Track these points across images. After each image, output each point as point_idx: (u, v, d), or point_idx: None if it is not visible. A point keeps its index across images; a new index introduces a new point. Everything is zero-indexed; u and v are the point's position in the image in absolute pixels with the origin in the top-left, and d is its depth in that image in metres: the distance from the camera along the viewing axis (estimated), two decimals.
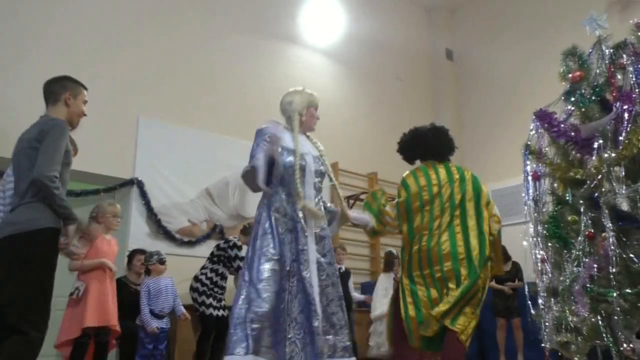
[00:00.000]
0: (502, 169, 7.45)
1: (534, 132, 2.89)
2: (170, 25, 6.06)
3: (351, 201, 7.13)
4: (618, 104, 2.58)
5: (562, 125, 2.73)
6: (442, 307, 2.77)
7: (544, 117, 2.79)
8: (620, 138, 2.51)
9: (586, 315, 2.42)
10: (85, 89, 2.77)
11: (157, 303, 4.46)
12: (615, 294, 2.35)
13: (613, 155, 2.50)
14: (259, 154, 2.73)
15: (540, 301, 2.69)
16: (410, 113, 8.48)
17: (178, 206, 5.64)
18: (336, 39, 7.68)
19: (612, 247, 2.36)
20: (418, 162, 3.40)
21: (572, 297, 2.50)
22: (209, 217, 5.79)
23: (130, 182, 5.36)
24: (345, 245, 6.50)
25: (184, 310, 4.59)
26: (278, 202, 2.70)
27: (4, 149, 4.24)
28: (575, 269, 2.54)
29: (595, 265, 2.45)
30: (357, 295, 5.96)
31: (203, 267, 4.95)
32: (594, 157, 2.56)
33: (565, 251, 2.66)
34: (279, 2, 7.18)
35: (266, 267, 2.53)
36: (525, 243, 2.88)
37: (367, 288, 6.57)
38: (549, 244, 2.75)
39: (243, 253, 4.84)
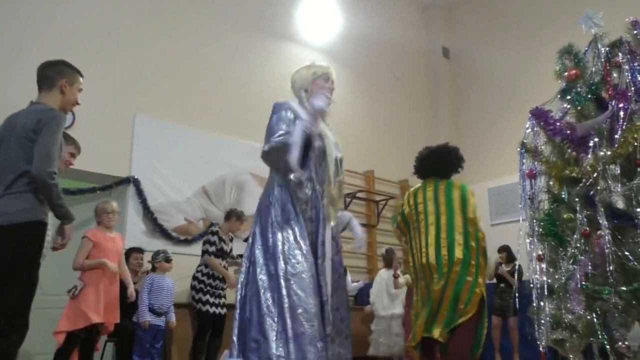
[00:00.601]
0: (499, 167, 7.46)
1: (530, 130, 2.89)
2: (168, 24, 6.04)
3: (347, 199, 7.13)
4: (614, 102, 2.59)
5: (558, 124, 2.74)
6: (420, 320, 3.18)
7: (540, 115, 2.79)
8: (616, 136, 2.52)
9: (581, 312, 2.43)
10: (82, 75, 2.65)
11: (158, 299, 4.47)
12: (610, 292, 2.36)
13: (609, 153, 2.50)
14: (294, 131, 2.44)
15: (534, 298, 2.69)
16: (407, 111, 8.49)
17: (174, 204, 5.63)
18: (333, 38, 7.68)
19: (608, 245, 2.37)
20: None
21: (568, 295, 2.51)
22: (205, 216, 5.78)
23: (126, 181, 5.35)
24: (342, 243, 6.49)
25: (173, 319, 4.59)
26: (302, 187, 2.46)
27: None
28: (570, 266, 2.55)
29: (590, 263, 2.45)
30: (352, 283, 5.92)
31: (198, 265, 4.95)
32: (589, 155, 2.57)
33: (560, 249, 2.67)
34: (276, 1, 7.17)
35: (300, 259, 2.30)
36: (520, 241, 2.88)
37: (365, 286, 6.57)
38: (545, 242, 2.76)
39: (218, 242, 4.87)
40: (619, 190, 2.44)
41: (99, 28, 5.50)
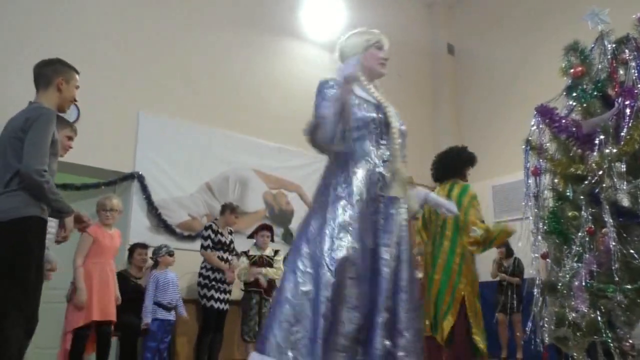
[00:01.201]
0: (503, 164, 7.43)
1: (535, 127, 2.88)
2: (171, 20, 6.04)
3: None
4: (620, 99, 2.57)
5: (564, 121, 2.73)
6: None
7: (545, 113, 2.78)
8: (622, 134, 2.50)
9: (585, 310, 2.42)
10: (77, 72, 2.67)
11: (166, 295, 4.50)
12: (615, 290, 2.35)
13: (614, 151, 2.49)
14: (326, 102, 2.16)
15: (536, 296, 2.69)
16: (410, 109, 8.45)
17: (178, 200, 5.65)
18: (336, 33, 7.63)
19: (613, 243, 2.36)
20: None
21: (572, 293, 2.50)
22: (209, 212, 5.79)
23: (130, 176, 5.36)
24: None
25: (184, 313, 4.64)
26: (360, 167, 2.12)
27: None
28: (575, 264, 2.54)
29: (595, 261, 2.45)
30: None
31: (202, 261, 4.96)
32: (595, 153, 2.55)
33: (565, 247, 2.66)
34: None
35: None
36: (522, 239, 2.88)
37: None
38: (549, 240, 2.75)
39: (212, 234, 4.87)
40: (624, 188, 2.43)
41: (99, 23, 5.49)
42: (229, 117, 6.24)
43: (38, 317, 2.38)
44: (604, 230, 2.45)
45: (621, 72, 2.70)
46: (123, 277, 4.45)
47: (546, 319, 2.68)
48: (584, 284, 2.44)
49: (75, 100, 2.68)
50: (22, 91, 4.59)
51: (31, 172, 2.29)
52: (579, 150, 2.68)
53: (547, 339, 2.67)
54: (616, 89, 2.65)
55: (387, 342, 1.93)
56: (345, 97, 2.14)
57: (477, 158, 3.93)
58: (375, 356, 1.90)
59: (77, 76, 2.65)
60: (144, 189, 5.39)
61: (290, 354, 1.84)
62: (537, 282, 2.73)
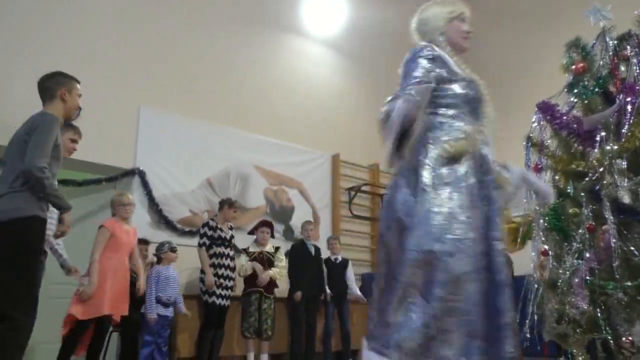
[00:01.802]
0: (505, 160, 7.41)
1: (536, 124, 2.88)
2: (172, 17, 6.03)
3: (352, 193, 7.13)
4: (621, 96, 2.57)
5: (565, 117, 2.72)
6: None
7: (546, 109, 2.78)
8: (623, 131, 2.50)
9: (585, 307, 2.42)
10: (78, 82, 2.82)
11: (165, 291, 4.50)
12: (615, 287, 2.35)
13: (615, 147, 2.49)
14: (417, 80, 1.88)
15: (534, 294, 2.70)
16: None
17: (179, 196, 5.65)
18: (338, 30, 7.64)
19: (614, 240, 2.36)
20: None
21: (572, 290, 2.50)
22: (210, 208, 5.80)
23: (131, 172, 5.36)
24: (346, 236, 6.51)
25: (184, 310, 4.64)
26: (460, 148, 1.90)
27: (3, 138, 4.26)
28: (575, 261, 2.54)
29: (595, 258, 2.45)
30: (356, 290, 5.91)
31: None
32: (596, 150, 2.55)
33: (565, 244, 2.66)
34: None
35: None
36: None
37: (368, 279, 6.59)
38: (550, 237, 2.75)
39: (209, 231, 4.85)
40: (625, 185, 2.42)
41: (99, 18, 5.48)
42: (230, 113, 6.23)
43: (36, 314, 2.45)
44: (604, 227, 2.45)
45: (622, 68, 2.69)
46: None
47: (547, 316, 2.68)
48: (583, 280, 2.44)
49: (80, 108, 2.83)
50: (22, 90, 4.62)
51: (32, 168, 2.41)
52: (580, 147, 2.68)
53: (546, 335, 2.68)
54: (617, 86, 2.64)
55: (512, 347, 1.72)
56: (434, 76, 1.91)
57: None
58: None
59: (78, 85, 2.80)
60: (145, 184, 5.39)
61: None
62: (535, 278, 2.73)
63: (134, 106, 5.51)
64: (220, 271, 4.83)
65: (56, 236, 2.72)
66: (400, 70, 2.02)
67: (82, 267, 3.91)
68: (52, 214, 2.93)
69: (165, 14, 5.98)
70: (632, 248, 2.36)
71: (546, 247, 2.77)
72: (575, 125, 2.66)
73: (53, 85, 2.70)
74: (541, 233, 2.78)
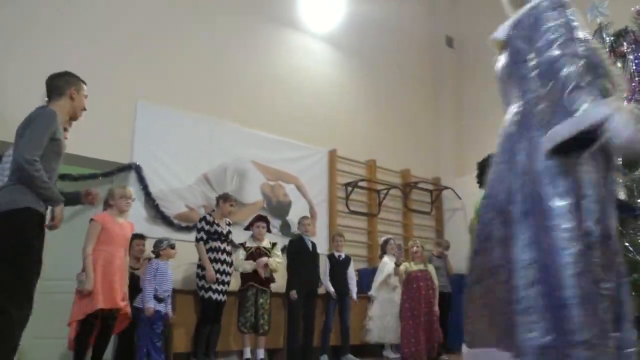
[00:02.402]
0: None
1: None
2: (170, 10, 6.01)
3: (349, 188, 7.14)
4: None
5: None
6: None
7: None
8: None
9: None
10: (85, 84, 2.88)
11: (162, 285, 4.50)
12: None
13: None
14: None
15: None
16: (410, 101, 8.46)
17: (176, 191, 5.65)
18: (336, 25, 7.63)
19: None
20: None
21: None
22: (206, 203, 5.80)
23: (128, 167, 5.35)
24: (342, 232, 6.51)
25: (169, 310, 4.60)
26: None
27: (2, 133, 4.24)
28: None
29: None
30: (354, 291, 5.91)
31: None
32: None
33: None
34: None
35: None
36: None
37: (365, 274, 6.60)
38: None
39: (206, 226, 4.87)
40: (620, 181, 2.43)
41: (96, 12, 5.46)
42: (227, 108, 6.22)
43: (32, 305, 2.46)
44: None
45: (619, 64, 2.69)
46: None
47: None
48: None
49: (85, 109, 2.89)
50: (18, 85, 4.61)
51: (21, 161, 2.42)
52: None
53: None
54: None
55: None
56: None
57: None
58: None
59: (85, 87, 2.87)
60: (142, 179, 5.38)
61: None
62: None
63: (131, 101, 5.50)
64: (217, 266, 4.83)
65: (47, 227, 2.71)
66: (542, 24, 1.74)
67: (74, 261, 3.91)
68: None
69: (164, 7, 5.96)
70: (626, 244, 2.37)
71: None
72: None
73: (63, 83, 2.76)
74: None
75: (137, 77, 5.57)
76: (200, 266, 4.86)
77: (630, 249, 2.37)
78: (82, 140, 4.60)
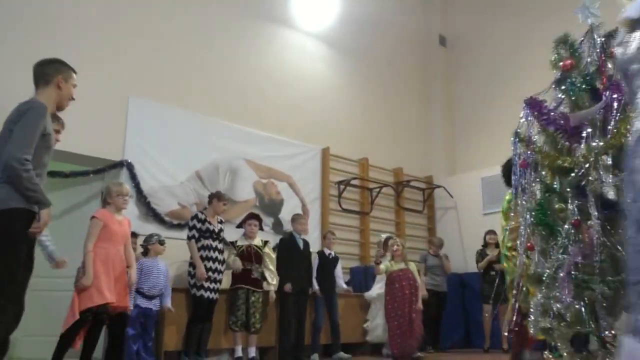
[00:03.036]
0: (493, 156, 7.44)
1: (524, 119, 2.89)
2: (162, 6, 5.97)
3: (342, 186, 7.14)
4: (607, 92, 2.59)
5: (552, 113, 2.74)
6: None
7: (534, 105, 2.79)
8: (609, 127, 2.52)
9: (570, 301, 2.45)
10: (75, 72, 2.76)
11: (147, 282, 4.48)
12: (599, 282, 2.38)
13: (601, 144, 2.51)
14: None
15: (517, 287, 2.72)
16: (402, 99, 8.47)
17: (168, 189, 5.62)
18: (329, 23, 7.62)
19: (597, 235, 2.39)
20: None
21: (557, 284, 2.53)
22: (199, 200, 5.78)
23: (119, 164, 5.32)
24: (335, 229, 6.53)
25: (169, 305, 4.60)
26: None
27: None
28: (560, 256, 2.57)
29: (581, 253, 2.47)
30: (342, 284, 5.96)
31: None
32: (582, 146, 2.58)
33: (551, 238, 2.68)
34: None
35: None
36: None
37: (357, 272, 6.61)
38: (536, 232, 2.78)
39: (198, 224, 4.86)
40: (610, 181, 2.45)
41: (89, 7, 5.42)
42: (220, 105, 6.21)
43: (24, 304, 2.43)
44: (589, 222, 2.48)
45: (609, 65, 2.71)
46: None
47: (532, 310, 2.71)
48: (569, 275, 2.47)
49: (73, 99, 2.77)
50: (8, 78, 4.56)
51: (11, 160, 2.34)
52: (567, 143, 2.70)
53: (532, 329, 2.71)
54: (604, 83, 2.67)
55: None
56: None
57: None
58: None
59: (75, 76, 2.76)
60: (133, 177, 5.36)
61: None
62: (520, 272, 2.76)
63: (123, 97, 5.47)
64: (209, 264, 4.82)
65: (32, 233, 2.60)
66: None
67: (70, 259, 3.88)
68: None
69: (155, 5, 5.92)
70: (615, 243, 2.39)
71: (532, 242, 2.80)
72: (562, 122, 2.68)
73: (51, 71, 2.65)
74: (528, 228, 2.81)
75: (129, 73, 5.54)
76: (192, 264, 4.85)
77: (619, 247, 2.39)
78: (73, 136, 4.56)
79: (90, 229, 3.81)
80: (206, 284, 4.77)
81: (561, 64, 2.83)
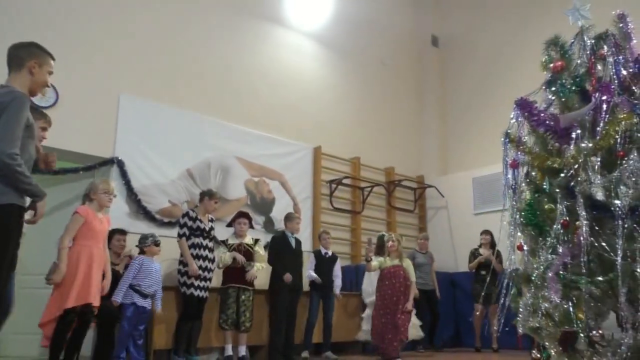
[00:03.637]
0: (484, 156, 7.51)
1: (514, 120, 2.91)
2: (154, 3, 5.94)
3: (334, 185, 7.14)
4: (597, 94, 2.61)
5: (542, 115, 2.76)
6: None
7: (524, 106, 2.81)
8: (598, 129, 2.54)
9: (558, 301, 2.47)
10: (53, 59, 2.66)
11: (145, 281, 4.45)
12: (587, 282, 2.40)
13: (590, 145, 2.53)
14: None
15: (506, 287, 2.74)
16: (394, 99, 8.49)
17: (159, 186, 5.59)
18: (322, 22, 7.62)
19: (585, 236, 2.41)
20: None
21: (546, 284, 2.55)
22: (189, 198, 5.75)
23: (110, 161, 5.28)
24: (326, 229, 6.52)
25: (159, 307, 4.58)
26: None
27: None
28: (549, 256, 2.59)
29: (569, 253, 2.49)
30: (339, 285, 5.89)
31: None
32: (571, 147, 2.60)
33: (540, 238, 2.70)
34: None
35: None
36: (501, 230, 2.92)
37: (348, 271, 6.62)
38: (526, 232, 2.80)
39: (189, 222, 4.83)
40: (598, 181, 2.47)
41: (84, 6, 5.38)
42: (211, 103, 6.18)
43: (10, 301, 2.39)
44: (577, 222, 2.50)
45: (599, 67, 2.73)
46: None
47: (521, 309, 2.73)
48: (557, 275, 2.49)
49: (47, 86, 2.68)
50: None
51: (3, 156, 2.29)
52: (557, 144, 2.72)
53: (521, 328, 2.73)
54: (594, 84, 2.69)
55: None
56: None
57: None
58: None
59: (52, 62, 2.65)
60: (124, 174, 5.32)
61: None
62: (510, 272, 2.77)
63: (114, 94, 5.43)
64: (199, 262, 4.80)
65: (26, 222, 2.58)
66: None
67: (54, 257, 3.84)
68: None
69: (147, 2, 5.89)
70: (603, 244, 2.41)
71: (522, 241, 2.82)
72: (552, 123, 2.71)
73: (24, 55, 2.54)
74: (517, 228, 2.82)
75: (120, 70, 5.50)
76: (183, 262, 4.83)
77: (607, 248, 2.41)
78: (63, 133, 4.53)
79: (70, 224, 3.73)
80: (196, 282, 4.75)
81: (551, 65, 2.85)
